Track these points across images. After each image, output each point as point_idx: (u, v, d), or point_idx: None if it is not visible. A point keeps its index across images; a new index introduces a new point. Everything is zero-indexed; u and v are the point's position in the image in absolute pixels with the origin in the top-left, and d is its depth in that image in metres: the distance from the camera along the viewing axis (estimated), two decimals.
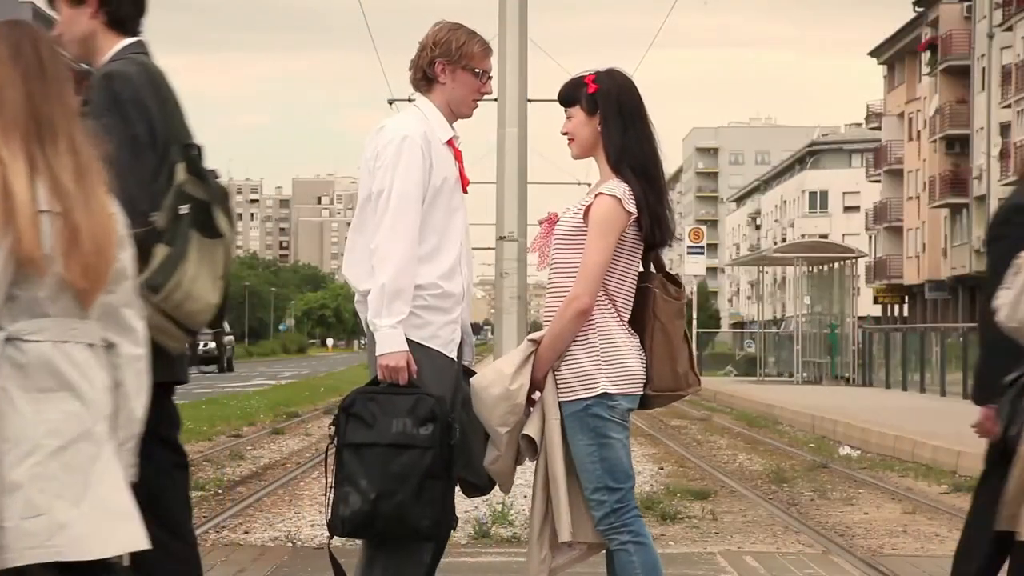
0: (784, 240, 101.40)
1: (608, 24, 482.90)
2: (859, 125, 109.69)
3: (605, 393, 4.87)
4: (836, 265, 37.36)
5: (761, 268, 47.40)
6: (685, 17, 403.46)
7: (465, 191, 5.09)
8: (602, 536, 4.97)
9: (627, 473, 4.96)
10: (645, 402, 5.02)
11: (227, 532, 10.08)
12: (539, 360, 4.89)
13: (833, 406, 23.75)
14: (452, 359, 4.94)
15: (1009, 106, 59.83)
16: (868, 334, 37.05)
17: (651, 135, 5.00)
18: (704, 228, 53.84)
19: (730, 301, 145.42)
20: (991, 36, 63.15)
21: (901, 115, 79.10)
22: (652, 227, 4.91)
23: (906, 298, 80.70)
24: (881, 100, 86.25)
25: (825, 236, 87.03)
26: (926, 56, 71.40)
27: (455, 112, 5.07)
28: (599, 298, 4.88)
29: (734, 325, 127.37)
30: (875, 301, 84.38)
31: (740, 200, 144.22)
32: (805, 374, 37.35)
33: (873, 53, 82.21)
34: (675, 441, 18.95)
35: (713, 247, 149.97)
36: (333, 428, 4.92)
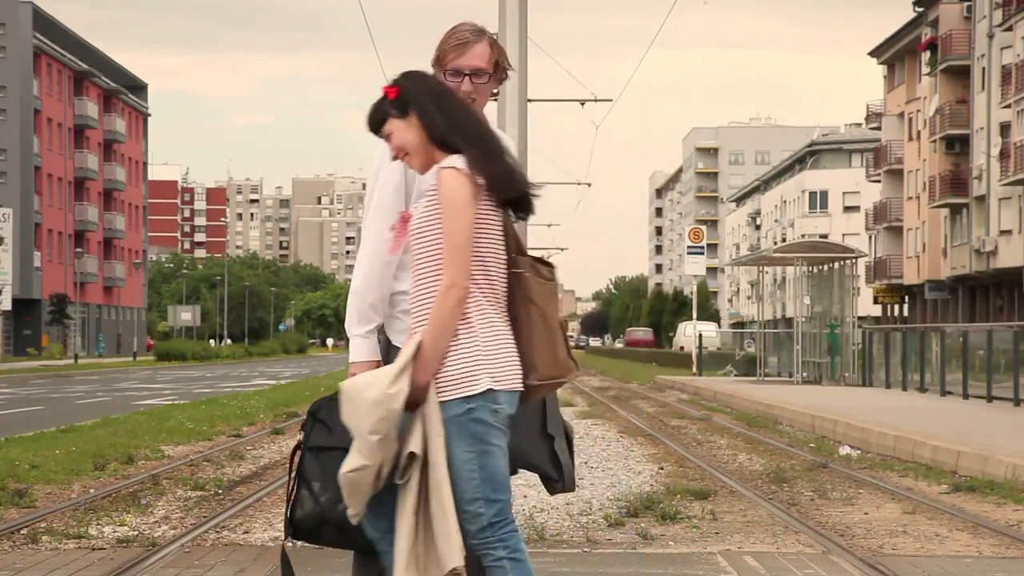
0: (784, 240, 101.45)
1: (608, 24, 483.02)
2: (859, 125, 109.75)
3: (490, 391, 4.51)
4: (836, 265, 37.35)
5: (761, 268, 47.37)
6: (685, 17, 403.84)
7: None
8: (475, 551, 4.57)
9: (506, 483, 4.56)
10: (525, 394, 4.65)
11: (227, 532, 10.08)
12: (422, 363, 4.50)
13: (833, 406, 23.74)
14: None
15: (1009, 106, 59.83)
16: (868, 334, 37.05)
17: (468, 106, 4.72)
18: (704, 228, 53.86)
19: (730, 301, 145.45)
20: (991, 36, 63.15)
21: (901, 115, 79.11)
22: (499, 183, 4.59)
23: (906, 298, 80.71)
24: (881, 100, 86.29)
25: (825, 236, 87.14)
26: (926, 56, 71.42)
27: None
28: (473, 284, 4.56)
29: (734, 325, 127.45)
30: (875, 301, 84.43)
31: (740, 200, 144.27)
32: (805, 374, 37.35)
33: (873, 53, 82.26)
34: (675, 441, 18.95)
35: (713, 247, 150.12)
36: (301, 432, 4.86)
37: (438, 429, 4.48)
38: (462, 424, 4.49)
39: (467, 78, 4.83)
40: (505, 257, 4.64)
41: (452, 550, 4.43)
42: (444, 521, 4.45)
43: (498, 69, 4.89)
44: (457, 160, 4.57)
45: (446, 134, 4.62)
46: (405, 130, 4.68)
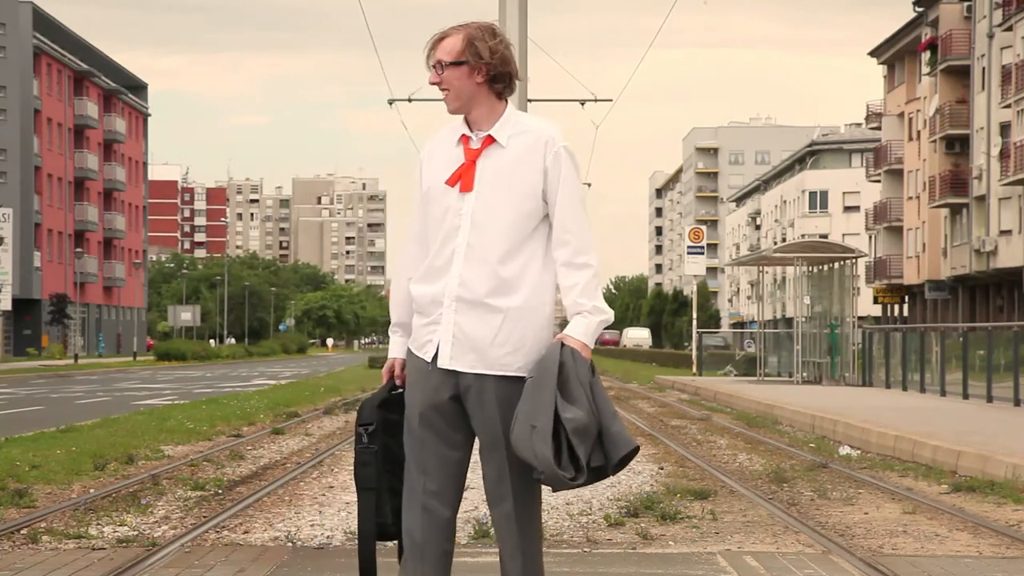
0: (784, 240, 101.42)
1: (608, 24, 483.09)
2: (859, 125, 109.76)
3: None
4: (836, 265, 37.35)
5: (761, 268, 47.34)
6: (685, 17, 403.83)
7: (464, 190, 4.82)
8: None
9: None
10: None
11: (227, 532, 10.07)
12: None
13: (833, 406, 23.74)
14: (426, 361, 4.84)
15: (1009, 106, 59.82)
16: (868, 334, 37.04)
17: None
18: (704, 228, 53.89)
19: (730, 301, 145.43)
20: (991, 36, 63.13)
21: (901, 115, 79.10)
22: None
23: (906, 298, 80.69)
24: (881, 100, 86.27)
25: (825, 236, 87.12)
26: (926, 56, 71.41)
27: None
28: None
29: (734, 325, 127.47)
30: (875, 301, 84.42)
31: (740, 200, 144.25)
32: (805, 374, 37.35)
33: (873, 53, 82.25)
34: (675, 441, 18.95)
35: (713, 247, 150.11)
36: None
37: None
38: None
39: (433, 70, 4.93)
40: None
41: None
42: None
43: (468, 61, 4.85)
44: None
45: None
46: None
